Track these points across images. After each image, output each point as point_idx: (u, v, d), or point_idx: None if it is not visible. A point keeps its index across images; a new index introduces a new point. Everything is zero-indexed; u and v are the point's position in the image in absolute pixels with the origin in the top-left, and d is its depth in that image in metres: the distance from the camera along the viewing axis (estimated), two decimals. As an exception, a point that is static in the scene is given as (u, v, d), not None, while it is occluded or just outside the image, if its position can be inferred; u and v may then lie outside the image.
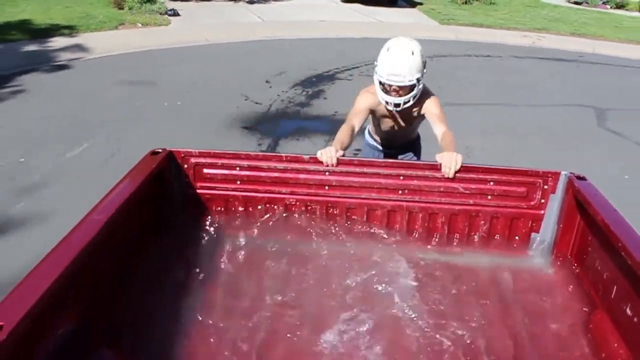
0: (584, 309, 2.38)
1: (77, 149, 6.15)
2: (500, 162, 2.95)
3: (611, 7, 21.16)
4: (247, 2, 16.67)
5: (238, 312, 2.31)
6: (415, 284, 2.52)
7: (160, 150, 2.72)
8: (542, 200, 2.77)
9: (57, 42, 11.09)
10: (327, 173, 2.77)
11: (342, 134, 2.95)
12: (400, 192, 2.79)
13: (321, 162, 2.76)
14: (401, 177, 2.77)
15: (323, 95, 8.64)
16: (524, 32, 15.00)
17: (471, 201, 2.79)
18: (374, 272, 2.58)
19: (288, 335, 2.20)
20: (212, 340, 2.16)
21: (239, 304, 2.35)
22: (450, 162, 2.69)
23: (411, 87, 2.94)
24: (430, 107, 3.11)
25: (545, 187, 2.75)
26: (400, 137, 3.47)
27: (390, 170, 2.77)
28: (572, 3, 21.43)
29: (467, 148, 6.33)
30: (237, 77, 9.31)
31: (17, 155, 5.90)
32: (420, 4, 18.03)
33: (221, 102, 7.92)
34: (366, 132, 3.76)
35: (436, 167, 2.76)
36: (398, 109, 3.02)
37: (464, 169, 2.72)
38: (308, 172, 2.78)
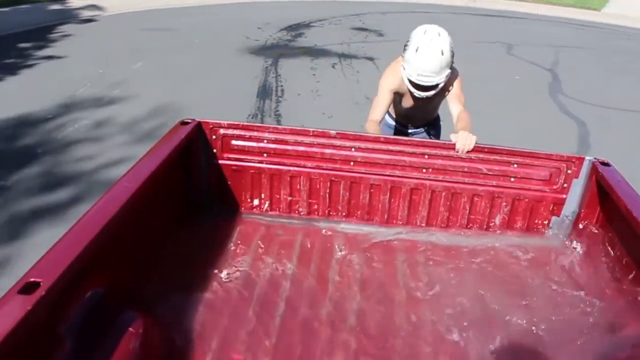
0: (598, 295, 2.36)
1: (137, 64, 8.67)
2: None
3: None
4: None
5: (260, 283, 2.36)
6: (434, 265, 2.58)
7: (189, 121, 2.71)
8: (565, 185, 2.74)
9: (74, 3, 13.45)
10: (352, 149, 2.76)
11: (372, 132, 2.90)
12: (424, 170, 2.77)
13: (347, 138, 2.76)
14: (426, 156, 2.75)
15: (303, 35, 11.60)
16: (460, -5, 18.08)
17: (494, 182, 2.77)
18: (394, 254, 2.66)
19: (303, 310, 2.22)
20: (233, 312, 2.18)
21: (261, 276, 2.42)
22: (464, 141, 2.67)
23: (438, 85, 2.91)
24: (451, 82, 3.04)
25: (569, 171, 2.71)
26: (421, 116, 3.40)
27: (414, 149, 2.74)
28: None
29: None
30: (236, 25, 12.01)
31: (97, 69, 8.38)
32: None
33: (229, 39, 10.65)
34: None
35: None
36: (426, 95, 2.97)
37: (487, 150, 2.71)
38: (334, 147, 2.76)
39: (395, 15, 14.29)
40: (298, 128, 2.80)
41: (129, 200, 1.96)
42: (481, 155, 2.73)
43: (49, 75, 8.02)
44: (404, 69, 2.91)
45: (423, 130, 3.52)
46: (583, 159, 2.69)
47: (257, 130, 2.77)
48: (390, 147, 2.76)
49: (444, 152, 2.74)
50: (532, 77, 9.47)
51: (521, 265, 2.61)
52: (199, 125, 2.72)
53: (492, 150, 2.72)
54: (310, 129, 2.76)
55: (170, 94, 7.16)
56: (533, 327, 2.18)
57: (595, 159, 2.67)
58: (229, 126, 2.76)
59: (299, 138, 2.76)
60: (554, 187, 2.76)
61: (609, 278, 2.42)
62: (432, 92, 2.93)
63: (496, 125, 6.21)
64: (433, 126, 3.54)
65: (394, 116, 3.48)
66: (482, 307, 2.29)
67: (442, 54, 2.81)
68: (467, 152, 2.70)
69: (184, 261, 2.43)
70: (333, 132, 2.74)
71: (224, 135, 2.78)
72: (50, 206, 4.47)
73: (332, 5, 15.26)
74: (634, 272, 2.27)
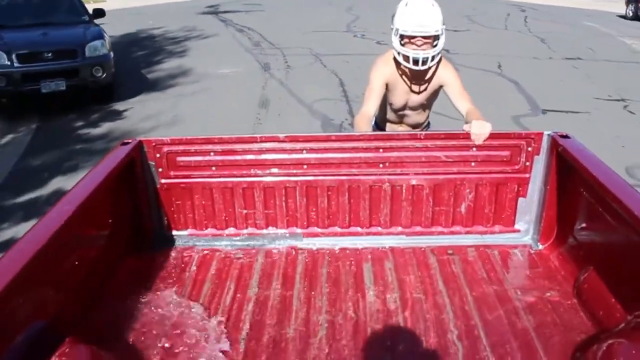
0: (578, 271, 2.31)
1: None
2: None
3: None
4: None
5: (222, 309, 2.26)
6: (402, 272, 2.48)
7: (130, 141, 2.60)
8: (527, 163, 2.65)
9: None
10: (304, 151, 2.64)
11: (362, 128, 2.84)
12: (381, 165, 2.66)
13: (298, 140, 2.64)
14: (380, 150, 2.63)
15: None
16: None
17: (455, 169, 2.66)
18: (360, 262, 2.58)
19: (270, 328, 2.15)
20: (194, 344, 2.05)
21: (222, 302, 2.31)
22: (480, 129, 2.59)
23: (435, 38, 2.79)
24: (448, 78, 2.95)
25: (529, 149, 2.62)
26: (411, 118, 3.20)
27: (369, 143, 2.64)
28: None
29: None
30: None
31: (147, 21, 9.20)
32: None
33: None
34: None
35: (416, 137, 2.65)
36: (424, 66, 2.81)
37: (445, 136, 2.64)
38: (284, 151, 2.65)
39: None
40: (245, 136, 2.69)
41: (64, 227, 1.85)
42: (438, 142, 2.64)
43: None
44: (396, 30, 2.81)
45: None
46: (542, 134, 2.62)
47: (202, 143, 2.65)
48: (343, 145, 2.66)
49: (399, 144, 2.64)
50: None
51: (491, 260, 2.58)
52: (140, 144, 2.62)
53: (450, 136, 2.65)
54: (258, 135, 2.68)
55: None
56: (507, 321, 2.15)
57: (554, 132, 2.60)
58: (173, 142, 2.65)
59: (247, 146, 2.65)
60: (516, 166, 2.67)
61: (581, 253, 2.39)
62: (428, 65, 2.81)
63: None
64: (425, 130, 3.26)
65: (381, 124, 3.29)
66: (460, 315, 2.20)
67: (433, 5, 2.79)
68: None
69: (134, 289, 2.33)
70: (282, 136, 2.65)
71: (169, 152, 2.65)
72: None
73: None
74: (608, 241, 2.23)
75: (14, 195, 5.07)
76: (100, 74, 7.55)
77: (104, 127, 7.06)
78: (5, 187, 5.35)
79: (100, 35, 7.86)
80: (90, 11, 8.65)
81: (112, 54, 7.94)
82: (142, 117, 7.36)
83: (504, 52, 11.12)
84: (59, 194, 4.83)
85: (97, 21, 8.50)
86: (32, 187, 5.23)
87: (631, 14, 17.02)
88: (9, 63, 7.05)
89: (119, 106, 7.87)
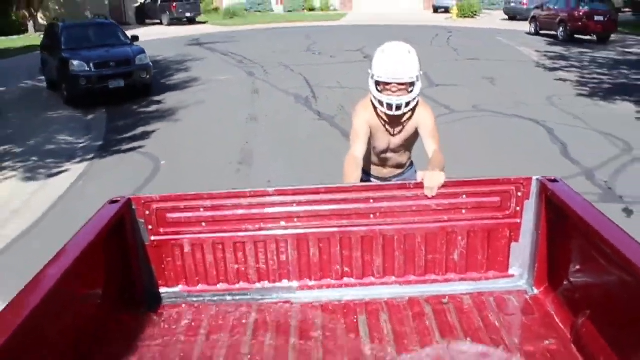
0: (575, 316, 2.28)
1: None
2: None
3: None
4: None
5: None
6: (397, 324, 2.45)
7: (118, 199, 2.60)
8: (518, 208, 2.65)
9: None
10: (294, 204, 2.65)
11: (350, 172, 2.84)
12: (372, 216, 2.66)
13: (287, 193, 2.65)
14: (371, 201, 2.64)
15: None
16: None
17: (446, 217, 2.65)
18: (353, 315, 2.55)
19: None
20: None
21: None
22: (432, 181, 2.60)
23: (410, 85, 2.84)
24: (424, 119, 3.00)
25: (519, 194, 2.63)
26: (394, 160, 3.25)
27: (359, 194, 2.64)
28: (286, 12, 35.17)
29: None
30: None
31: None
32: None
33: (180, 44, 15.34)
34: None
35: (406, 187, 2.67)
36: (399, 112, 2.85)
37: None
38: (274, 204, 2.65)
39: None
40: (234, 191, 2.71)
41: (52, 292, 1.85)
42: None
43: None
44: (372, 76, 2.87)
45: (396, 177, 3.33)
46: (531, 179, 2.63)
47: (191, 199, 2.65)
48: (333, 197, 2.65)
49: (389, 194, 2.65)
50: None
51: (486, 309, 2.54)
52: (129, 202, 2.62)
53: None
54: (247, 190, 2.67)
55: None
56: None
57: (542, 177, 2.61)
58: (162, 199, 2.64)
59: (236, 201, 2.65)
60: (507, 212, 2.67)
61: (576, 298, 2.37)
62: (405, 106, 2.85)
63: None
64: (407, 172, 3.34)
65: (370, 161, 3.30)
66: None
67: (409, 52, 2.85)
68: (435, 190, 2.60)
69: (124, 350, 2.31)
70: (271, 190, 2.66)
71: (158, 209, 2.65)
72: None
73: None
74: (602, 285, 2.20)
75: (116, 134, 8.95)
76: (145, 76, 11.58)
77: (152, 108, 10.96)
78: (109, 134, 9.17)
79: (143, 51, 11.86)
80: (130, 37, 12.63)
81: (151, 63, 11.91)
82: (175, 102, 11.21)
83: (424, 59, 15.27)
84: (142, 136, 8.80)
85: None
86: (123, 133, 9.14)
87: (533, 31, 21.56)
88: (88, 69, 10.87)
89: (156, 98, 11.70)
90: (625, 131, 8.10)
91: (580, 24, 18.97)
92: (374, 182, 3.26)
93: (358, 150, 2.93)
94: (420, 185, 2.62)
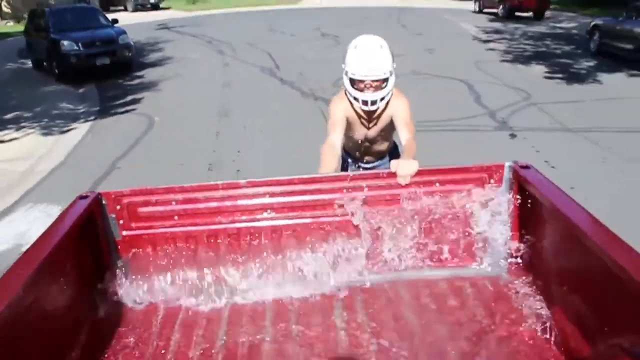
0: (547, 301, 2.33)
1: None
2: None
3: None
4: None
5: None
6: (377, 312, 2.47)
7: (88, 194, 2.55)
8: (490, 195, 2.67)
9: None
10: (267, 195, 2.64)
11: (327, 160, 2.87)
12: (345, 205, 2.66)
13: (259, 185, 2.64)
14: (344, 190, 2.66)
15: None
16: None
17: (419, 205, 2.65)
18: (329, 309, 2.51)
19: None
20: None
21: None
22: (405, 170, 2.61)
23: (384, 81, 2.85)
24: (398, 109, 3.00)
25: (492, 181, 2.65)
26: (373, 149, 3.30)
27: (332, 184, 2.64)
28: None
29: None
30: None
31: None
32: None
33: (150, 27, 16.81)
34: None
35: (379, 176, 2.68)
36: (374, 107, 2.89)
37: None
38: (247, 196, 2.64)
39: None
40: (206, 184, 2.68)
41: (22, 291, 1.82)
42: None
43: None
44: (346, 73, 2.88)
45: (379, 164, 3.40)
46: (503, 165, 2.64)
47: (163, 193, 2.63)
48: (307, 187, 2.63)
49: (362, 184, 2.65)
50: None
51: (461, 293, 2.56)
52: (99, 197, 2.58)
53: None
54: (219, 183, 2.65)
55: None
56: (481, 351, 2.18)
57: (514, 163, 2.62)
58: (133, 193, 2.61)
59: (209, 194, 2.64)
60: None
61: (548, 284, 2.38)
62: (380, 101, 2.88)
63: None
64: (391, 157, 3.34)
65: (349, 152, 3.39)
66: (430, 344, 2.25)
67: (382, 47, 2.85)
68: (409, 178, 2.61)
69: (101, 351, 2.28)
70: (243, 182, 2.64)
71: (129, 204, 2.62)
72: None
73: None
74: (572, 271, 2.21)
75: (110, 102, 10.51)
76: (128, 54, 13.12)
77: (136, 81, 12.50)
78: (104, 102, 10.71)
79: (124, 32, 13.39)
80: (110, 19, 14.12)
81: (132, 42, 13.41)
82: (156, 76, 12.77)
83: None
84: (133, 102, 10.34)
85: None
86: (115, 100, 10.72)
87: (477, 9, 23.48)
88: (77, 48, 12.32)
89: (138, 73, 13.24)
90: (530, 86, 10.09)
91: (516, 1, 20.84)
92: (355, 168, 3.42)
93: (335, 137, 2.96)
94: (393, 175, 2.64)
